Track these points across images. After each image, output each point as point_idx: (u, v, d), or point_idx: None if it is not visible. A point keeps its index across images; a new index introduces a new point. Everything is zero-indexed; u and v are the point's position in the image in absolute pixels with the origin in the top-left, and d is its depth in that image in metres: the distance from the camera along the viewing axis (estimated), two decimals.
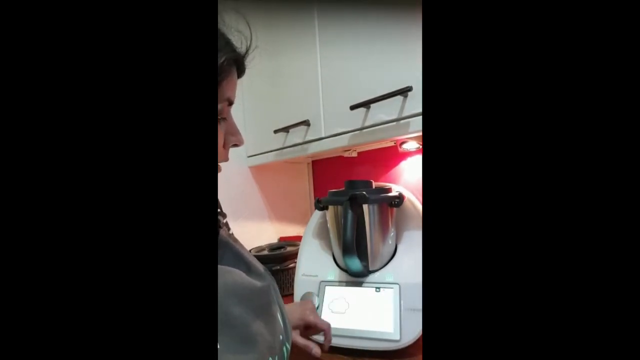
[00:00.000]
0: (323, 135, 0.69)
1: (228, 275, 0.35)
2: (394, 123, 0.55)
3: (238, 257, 0.41)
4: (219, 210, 0.54)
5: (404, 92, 0.51)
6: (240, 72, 0.40)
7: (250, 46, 0.39)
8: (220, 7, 0.28)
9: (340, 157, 0.99)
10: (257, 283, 0.38)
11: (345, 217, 0.55)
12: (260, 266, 0.43)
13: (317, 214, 0.74)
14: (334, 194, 0.63)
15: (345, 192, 0.60)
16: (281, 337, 0.38)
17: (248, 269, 0.40)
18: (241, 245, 0.49)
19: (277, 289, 0.48)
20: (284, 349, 0.38)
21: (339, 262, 0.64)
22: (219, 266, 0.34)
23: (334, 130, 0.67)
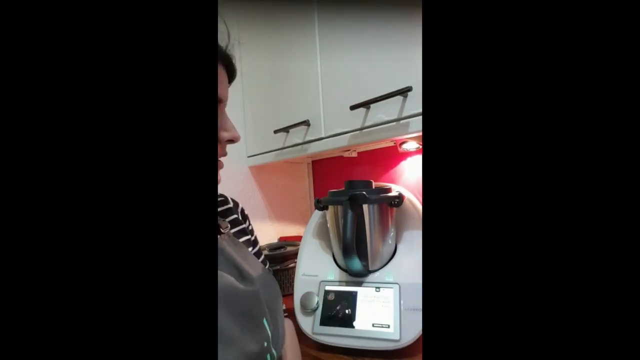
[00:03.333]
0: (323, 135, 0.69)
1: None
2: (394, 123, 0.55)
3: (230, 263, 0.40)
4: (230, 205, 0.53)
5: (404, 92, 0.51)
6: (230, 71, 0.39)
7: (228, 43, 0.38)
8: None
9: (340, 157, 0.99)
10: (243, 287, 0.38)
11: (345, 217, 0.55)
12: (253, 272, 0.42)
13: (317, 214, 0.74)
14: (334, 194, 0.63)
15: (345, 192, 0.60)
16: (265, 343, 0.37)
17: (240, 274, 0.40)
18: (242, 246, 0.48)
19: (276, 292, 0.47)
20: (268, 356, 0.37)
21: (339, 262, 0.64)
22: None
23: (334, 130, 0.67)
